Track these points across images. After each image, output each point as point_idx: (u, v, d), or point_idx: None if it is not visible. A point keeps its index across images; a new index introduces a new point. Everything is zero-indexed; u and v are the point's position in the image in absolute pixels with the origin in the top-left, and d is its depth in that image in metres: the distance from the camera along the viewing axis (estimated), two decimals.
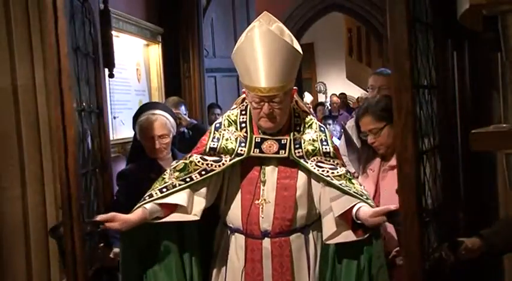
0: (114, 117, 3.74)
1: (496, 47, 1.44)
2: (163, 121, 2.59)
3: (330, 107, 9.58)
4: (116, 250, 2.26)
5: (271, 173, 2.13)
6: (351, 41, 14.19)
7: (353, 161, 2.81)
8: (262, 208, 2.10)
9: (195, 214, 2.11)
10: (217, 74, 5.77)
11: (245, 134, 2.13)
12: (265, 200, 2.11)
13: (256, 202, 2.11)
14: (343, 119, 7.24)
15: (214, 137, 2.16)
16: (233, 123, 2.17)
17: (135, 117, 2.68)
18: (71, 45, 2.15)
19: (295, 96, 2.19)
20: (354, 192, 2.05)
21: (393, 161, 2.43)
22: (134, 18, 4.00)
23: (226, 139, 2.13)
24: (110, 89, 3.59)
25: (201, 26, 4.97)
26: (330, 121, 6.87)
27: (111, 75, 2.89)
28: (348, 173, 2.14)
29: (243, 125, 2.16)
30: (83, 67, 2.50)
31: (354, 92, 12.14)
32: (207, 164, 2.11)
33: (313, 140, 2.13)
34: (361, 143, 2.52)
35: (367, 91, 3.78)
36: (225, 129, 2.16)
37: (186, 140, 3.61)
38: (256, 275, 2.10)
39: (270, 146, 2.11)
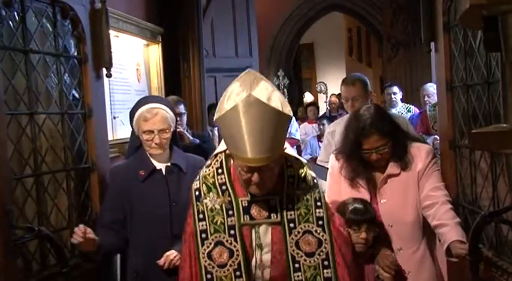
0: (114, 117, 3.73)
1: (496, 47, 1.44)
2: (164, 115, 2.51)
3: (329, 107, 9.56)
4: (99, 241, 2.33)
5: (264, 234, 1.97)
6: (351, 41, 14.21)
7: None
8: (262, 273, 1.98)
9: None
10: (217, 74, 5.78)
11: (229, 199, 1.96)
12: (262, 263, 1.97)
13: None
14: None
15: (199, 212, 1.97)
16: (212, 187, 1.98)
17: (133, 112, 2.59)
18: None
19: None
20: None
21: (390, 170, 2.42)
22: (134, 18, 3.99)
23: (211, 210, 1.96)
24: (109, 89, 3.58)
25: (201, 26, 4.97)
26: (325, 121, 6.83)
27: (108, 75, 2.88)
28: (326, 261, 1.94)
29: (224, 187, 1.97)
30: (51, 68, 2.49)
31: None
32: (219, 268, 1.93)
33: (307, 200, 1.96)
34: (354, 156, 2.42)
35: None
36: (206, 197, 1.97)
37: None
38: None
39: (260, 211, 1.95)
